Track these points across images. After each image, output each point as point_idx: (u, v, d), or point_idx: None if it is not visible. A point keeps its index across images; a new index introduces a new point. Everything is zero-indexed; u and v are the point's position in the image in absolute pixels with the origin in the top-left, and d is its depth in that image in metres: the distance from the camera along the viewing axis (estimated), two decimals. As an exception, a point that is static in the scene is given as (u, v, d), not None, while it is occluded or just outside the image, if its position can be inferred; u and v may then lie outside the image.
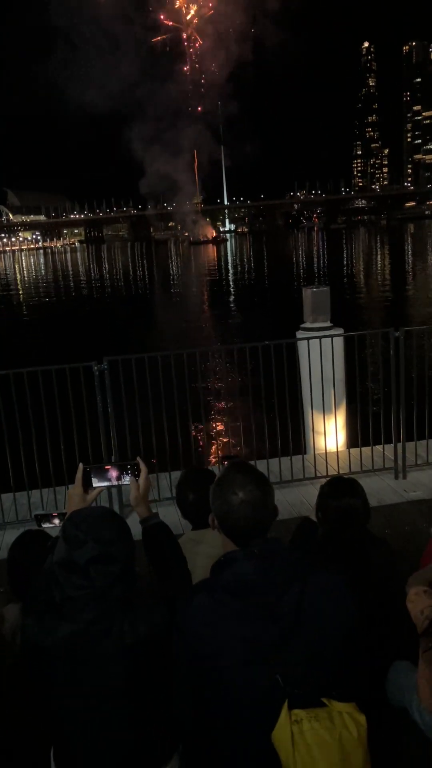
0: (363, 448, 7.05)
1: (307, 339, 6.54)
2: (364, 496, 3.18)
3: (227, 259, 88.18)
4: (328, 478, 3.89)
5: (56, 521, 2.63)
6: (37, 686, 2.06)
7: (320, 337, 6.54)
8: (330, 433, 6.85)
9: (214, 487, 1.94)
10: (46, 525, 2.68)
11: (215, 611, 1.81)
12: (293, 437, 6.56)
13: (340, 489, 3.19)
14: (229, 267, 72.86)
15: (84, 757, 2.01)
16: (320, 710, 1.73)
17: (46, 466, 6.01)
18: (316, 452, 6.90)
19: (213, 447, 7.75)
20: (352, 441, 7.16)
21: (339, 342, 6.75)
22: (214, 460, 8.87)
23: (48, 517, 2.64)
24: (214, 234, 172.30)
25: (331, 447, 6.80)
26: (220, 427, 6.66)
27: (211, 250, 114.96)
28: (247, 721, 1.80)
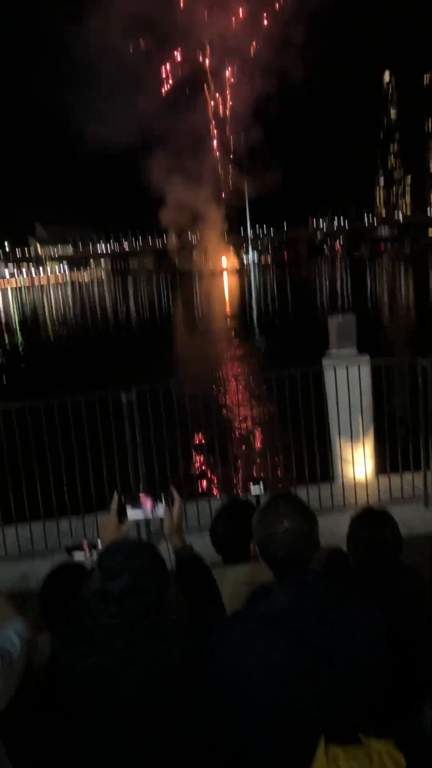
0: (392, 476, 6.97)
1: (334, 366, 6.54)
2: (396, 529, 3.14)
3: (251, 289, 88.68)
4: (357, 508, 3.86)
5: (87, 551, 2.65)
6: (63, 713, 2.06)
7: (347, 365, 6.54)
8: (358, 461, 6.80)
9: (258, 514, 1.95)
10: (76, 554, 2.70)
11: (248, 641, 1.81)
12: (321, 465, 6.53)
13: (372, 521, 3.15)
14: (253, 296, 73.22)
15: None
16: (358, 748, 1.70)
17: (74, 495, 6.05)
18: (344, 480, 6.85)
19: (240, 475, 7.74)
20: (381, 468, 7.09)
21: (366, 369, 6.74)
22: (240, 488, 8.84)
23: (78, 547, 2.66)
24: (237, 264, 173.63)
25: (360, 475, 6.74)
26: (247, 455, 6.65)
27: (235, 280, 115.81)
28: (279, 753, 1.78)
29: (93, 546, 2.62)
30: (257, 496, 3.20)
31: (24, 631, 2.02)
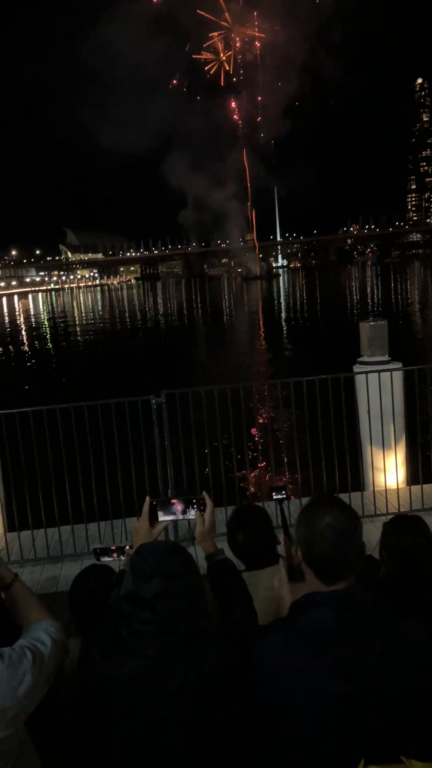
0: (424, 486, 6.86)
1: (366, 373, 6.46)
2: (429, 535, 3.07)
3: (280, 294, 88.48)
4: (388, 516, 3.79)
5: (115, 555, 2.64)
6: (97, 720, 2.04)
7: (379, 371, 6.45)
8: (390, 470, 6.70)
9: (300, 515, 1.90)
10: (105, 559, 2.69)
11: (288, 657, 1.75)
12: (352, 473, 6.44)
13: (404, 527, 3.09)
14: (282, 302, 73.03)
15: None
16: (397, 767, 1.64)
17: (103, 499, 6.06)
18: (375, 489, 6.75)
19: (265, 482, 7.68)
20: (413, 478, 6.98)
21: (398, 376, 6.64)
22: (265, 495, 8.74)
23: (107, 551, 2.65)
24: (267, 269, 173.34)
25: (391, 484, 6.64)
26: (276, 462, 6.59)
27: (265, 285, 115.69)
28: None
29: (121, 550, 2.61)
30: (280, 504, 3.15)
31: (56, 632, 2.00)
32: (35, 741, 1.99)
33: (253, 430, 6.39)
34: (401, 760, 1.64)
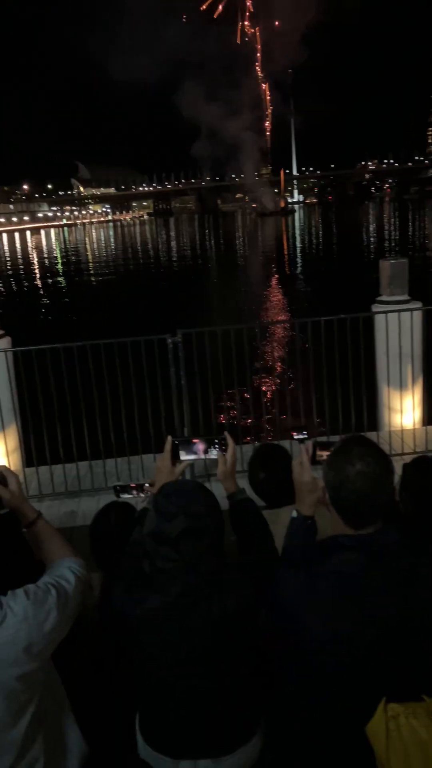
0: (441, 426, 6.83)
1: (385, 313, 6.35)
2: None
3: (296, 231, 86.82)
4: (404, 456, 3.78)
5: (135, 492, 2.65)
6: (123, 654, 2.09)
7: (399, 311, 6.34)
8: (406, 410, 6.67)
9: (329, 458, 1.84)
10: (124, 496, 2.70)
11: (312, 598, 1.75)
12: (368, 413, 6.42)
13: (426, 468, 3.08)
14: (297, 239, 71.71)
15: (168, 726, 2.03)
16: (418, 706, 1.66)
17: (120, 436, 6.10)
18: (391, 429, 6.74)
19: (283, 422, 7.70)
20: (430, 418, 6.95)
21: (418, 316, 6.53)
22: (284, 433, 8.79)
23: (127, 488, 2.66)
24: (283, 205, 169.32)
25: (408, 424, 6.62)
26: (291, 402, 6.57)
27: (280, 221, 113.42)
28: (340, 709, 1.76)
29: (141, 487, 2.62)
30: (301, 443, 3.13)
31: (79, 569, 2.03)
32: (61, 673, 2.04)
33: (270, 370, 6.34)
34: (422, 698, 1.67)
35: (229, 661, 1.94)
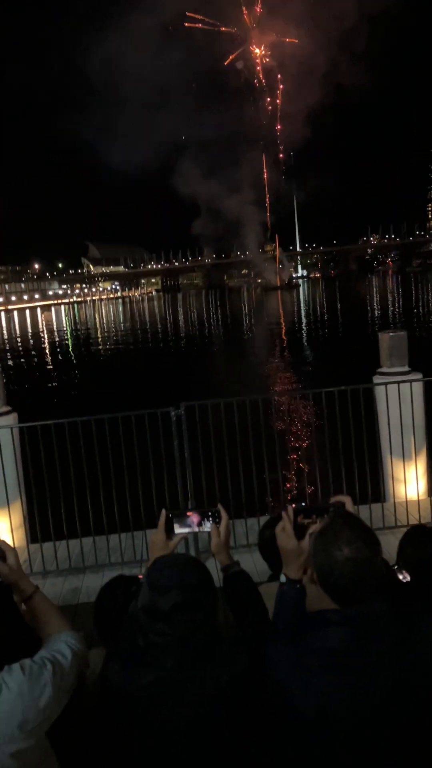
0: (446, 497, 6.80)
1: (385, 384, 6.44)
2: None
3: (300, 305, 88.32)
4: (408, 527, 3.78)
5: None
6: (118, 731, 2.07)
7: (399, 382, 6.43)
8: (410, 481, 6.66)
9: (317, 538, 1.84)
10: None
11: (299, 673, 1.74)
12: (372, 485, 6.42)
13: (420, 538, 3.09)
14: (302, 312, 72.88)
15: None
16: None
17: (124, 511, 6.10)
18: (396, 500, 6.71)
19: (288, 493, 7.67)
20: (434, 489, 6.93)
21: (418, 387, 6.62)
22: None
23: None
24: (286, 280, 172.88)
25: (412, 495, 6.60)
26: (296, 473, 6.58)
27: (284, 296, 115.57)
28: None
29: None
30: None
31: (75, 644, 2.03)
32: (57, 751, 2.02)
33: (273, 442, 6.39)
34: None
35: (227, 734, 1.92)
